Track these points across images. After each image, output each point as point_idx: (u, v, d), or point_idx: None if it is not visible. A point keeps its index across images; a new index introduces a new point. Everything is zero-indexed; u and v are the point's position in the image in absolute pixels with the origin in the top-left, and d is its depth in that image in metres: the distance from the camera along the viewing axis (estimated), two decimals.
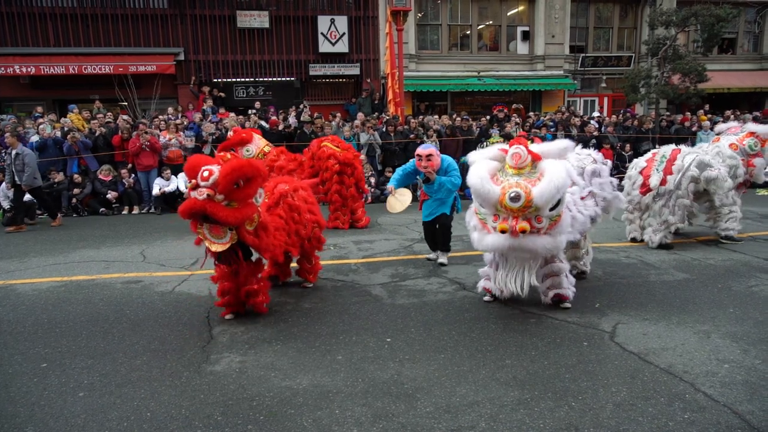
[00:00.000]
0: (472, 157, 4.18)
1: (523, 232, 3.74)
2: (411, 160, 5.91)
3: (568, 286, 4.50)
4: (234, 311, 4.43)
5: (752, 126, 7.10)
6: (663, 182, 6.42)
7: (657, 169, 6.51)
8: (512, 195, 3.66)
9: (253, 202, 4.01)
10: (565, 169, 3.81)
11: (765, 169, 7.00)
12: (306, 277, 5.28)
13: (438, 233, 5.93)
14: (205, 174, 3.78)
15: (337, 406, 3.01)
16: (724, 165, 6.63)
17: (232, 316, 4.41)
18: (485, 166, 3.90)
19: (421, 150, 5.69)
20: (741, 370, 3.36)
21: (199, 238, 3.99)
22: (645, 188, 6.56)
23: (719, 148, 6.87)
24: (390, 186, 5.93)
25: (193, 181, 3.82)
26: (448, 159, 5.81)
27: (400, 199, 5.92)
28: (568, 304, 4.51)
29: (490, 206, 3.89)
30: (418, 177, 5.94)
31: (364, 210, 8.69)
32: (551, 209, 3.79)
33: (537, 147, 3.94)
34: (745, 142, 6.84)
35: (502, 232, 3.79)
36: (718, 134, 7.47)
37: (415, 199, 6.26)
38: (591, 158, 4.97)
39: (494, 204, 3.81)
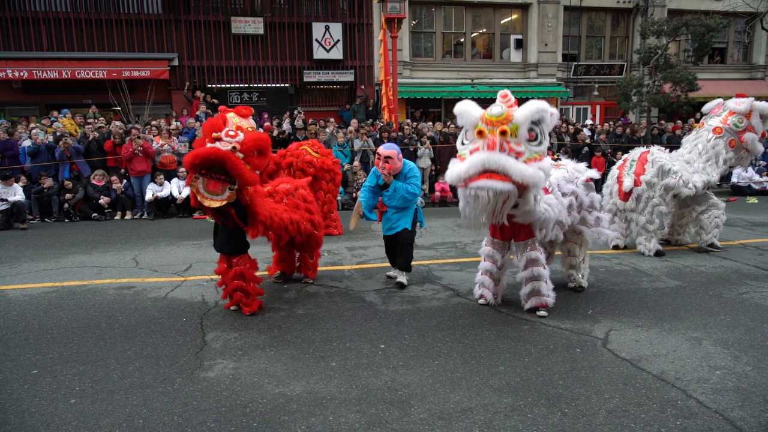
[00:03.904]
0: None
1: (503, 134, 3.73)
2: (371, 173, 5.52)
3: (548, 293, 4.53)
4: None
5: (731, 105, 7.08)
6: (637, 183, 6.54)
7: (628, 174, 6.69)
8: (494, 107, 3.86)
9: (257, 174, 4.37)
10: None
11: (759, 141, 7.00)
12: (306, 273, 5.67)
13: (398, 250, 5.41)
14: (231, 132, 4.08)
15: (330, 412, 3.00)
16: (701, 160, 6.76)
17: (236, 307, 4.69)
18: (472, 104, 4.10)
19: (381, 149, 5.29)
20: (732, 376, 3.38)
21: (193, 192, 4.17)
22: (623, 194, 6.71)
23: (698, 141, 7.02)
24: (358, 203, 5.56)
25: (216, 134, 4.07)
26: (411, 164, 5.44)
27: (354, 218, 5.66)
28: (543, 312, 4.52)
29: (471, 125, 3.95)
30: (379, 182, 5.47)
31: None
32: (532, 142, 3.85)
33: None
34: (729, 121, 6.95)
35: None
36: (702, 117, 7.56)
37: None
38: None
39: (475, 122, 3.91)
